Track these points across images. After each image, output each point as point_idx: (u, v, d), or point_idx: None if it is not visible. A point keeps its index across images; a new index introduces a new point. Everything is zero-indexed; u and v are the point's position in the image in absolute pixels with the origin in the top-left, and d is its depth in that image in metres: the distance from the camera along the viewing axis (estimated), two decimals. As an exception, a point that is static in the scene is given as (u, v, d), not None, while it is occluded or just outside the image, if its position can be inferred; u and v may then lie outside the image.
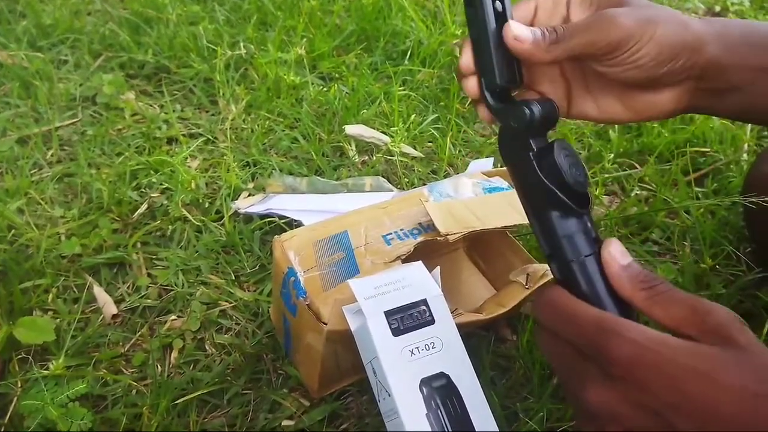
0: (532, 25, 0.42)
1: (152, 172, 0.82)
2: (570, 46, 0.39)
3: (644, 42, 0.39)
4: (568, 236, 0.37)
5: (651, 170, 0.86)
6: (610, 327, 0.31)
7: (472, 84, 0.42)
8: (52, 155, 0.87)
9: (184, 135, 0.93)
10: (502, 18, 0.40)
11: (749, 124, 0.97)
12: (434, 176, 0.90)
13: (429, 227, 0.59)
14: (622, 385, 0.30)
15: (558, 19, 0.43)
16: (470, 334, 0.63)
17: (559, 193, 0.36)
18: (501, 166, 0.81)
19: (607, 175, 0.88)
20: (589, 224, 0.38)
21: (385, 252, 0.57)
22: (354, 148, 0.93)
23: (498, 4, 0.40)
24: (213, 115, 1.02)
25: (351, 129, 0.90)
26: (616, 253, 0.35)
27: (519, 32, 0.39)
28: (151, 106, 1.02)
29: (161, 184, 0.81)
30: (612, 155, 0.89)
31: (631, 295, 0.34)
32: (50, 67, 1.06)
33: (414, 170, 0.90)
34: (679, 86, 0.43)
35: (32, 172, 0.84)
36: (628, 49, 0.39)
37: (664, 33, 0.39)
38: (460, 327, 0.49)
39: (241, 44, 1.15)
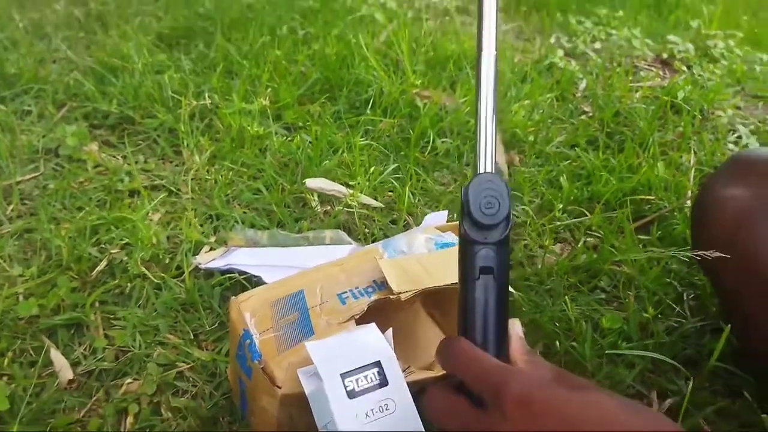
0: None
1: (113, 227, 0.83)
2: None
3: None
4: (477, 301, 0.41)
5: (598, 218, 0.90)
6: (511, 370, 0.39)
7: None
8: (12, 210, 0.87)
9: (146, 187, 0.94)
10: None
11: (692, 172, 1.03)
12: (393, 226, 0.92)
13: (383, 284, 0.61)
14: (519, 422, 0.35)
15: None
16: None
17: (462, 225, 0.40)
18: (456, 219, 0.84)
19: (558, 223, 0.92)
20: (498, 262, 0.41)
21: (340, 311, 0.58)
22: (316, 198, 0.96)
23: None
24: (177, 165, 1.03)
25: (312, 183, 0.92)
26: (518, 328, 0.43)
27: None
28: (114, 157, 1.03)
29: (121, 239, 0.82)
30: (562, 204, 0.93)
31: (518, 356, 0.42)
32: (13, 119, 1.07)
33: (374, 221, 0.92)
34: None
35: (-9, 227, 0.84)
36: None
37: None
38: (413, 385, 0.50)
39: (206, 94, 1.17)
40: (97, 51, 1.39)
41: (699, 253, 0.62)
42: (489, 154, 0.43)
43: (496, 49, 0.44)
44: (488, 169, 0.42)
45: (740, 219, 0.65)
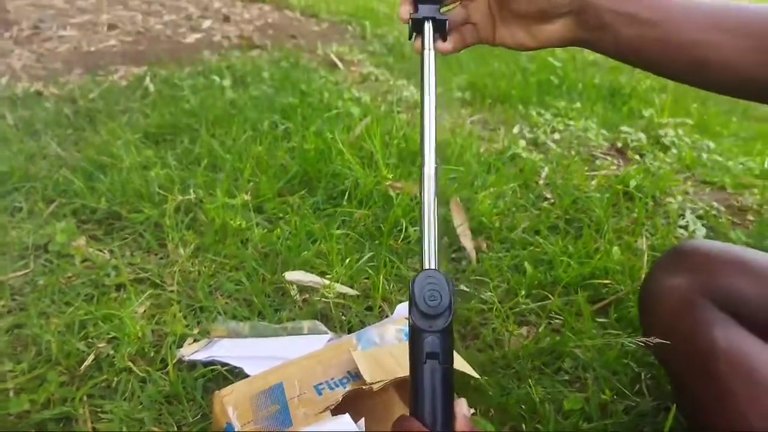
0: None
1: (100, 322, 0.87)
2: None
3: None
4: (425, 383, 0.45)
5: (558, 302, 0.96)
6: None
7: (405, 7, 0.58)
8: (3, 306, 0.91)
9: (132, 281, 0.99)
10: None
11: (646, 256, 1.11)
12: (369, 313, 0.97)
13: (357, 375, 0.66)
14: None
15: None
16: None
17: (410, 315, 0.45)
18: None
19: (523, 307, 0.98)
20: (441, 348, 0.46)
21: (317, 402, 0.63)
22: (295, 288, 1.01)
23: None
24: (161, 258, 1.08)
25: (290, 275, 0.98)
26: (464, 407, 0.47)
27: None
28: (101, 251, 1.08)
29: (108, 333, 0.85)
30: (525, 290, 0.99)
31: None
32: (4, 216, 1.12)
33: (350, 308, 0.97)
34: (564, 18, 0.58)
35: (-19, 324, 0.88)
36: None
37: None
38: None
39: (191, 189, 1.24)
40: (85, 148, 1.46)
41: (641, 339, 0.68)
42: (432, 253, 0.49)
43: (436, 163, 0.52)
44: (432, 266, 0.48)
45: (680, 307, 0.72)
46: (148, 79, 2.07)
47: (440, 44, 0.60)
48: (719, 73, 0.57)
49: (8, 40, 2.90)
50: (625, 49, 0.59)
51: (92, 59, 2.63)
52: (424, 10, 0.57)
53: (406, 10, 0.58)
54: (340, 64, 2.58)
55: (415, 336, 0.46)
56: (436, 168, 0.52)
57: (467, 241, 1.17)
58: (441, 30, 0.58)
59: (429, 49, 0.56)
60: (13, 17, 3.35)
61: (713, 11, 0.57)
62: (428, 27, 0.56)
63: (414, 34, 0.58)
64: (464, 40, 0.63)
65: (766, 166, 1.54)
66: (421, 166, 0.52)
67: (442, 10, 0.59)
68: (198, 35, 3.22)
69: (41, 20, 3.29)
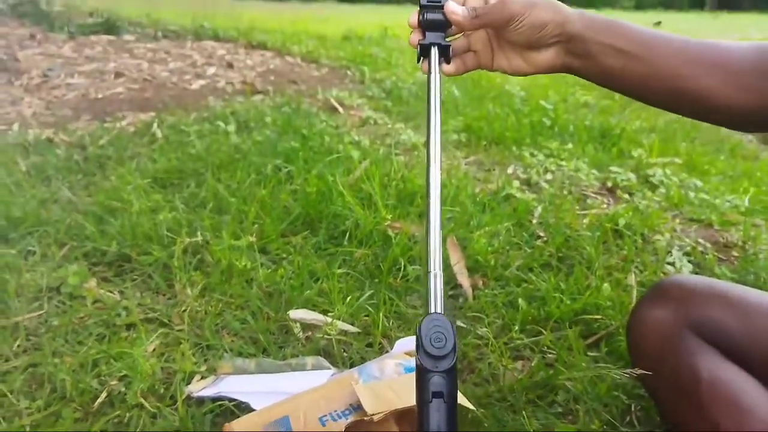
0: (463, 4, 0.65)
1: (113, 360, 0.91)
2: (483, 20, 0.64)
3: (525, 17, 0.62)
4: (430, 421, 0.48)
5: (551, 337, 1.00)
6: None
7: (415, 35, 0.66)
8: (18, 346, 0.95)
9: (141, 320, 1.03)
10: None
11: (635, 292, 1.15)
12: (370, 349, 1.01)
13: (359, 407, 0.70)
14: None
15: (480, 2, 0.65)
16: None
17: (417, 356, 0.49)
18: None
19: (517, 342, 1.02)
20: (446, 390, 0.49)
21: (321, 433, 0.66)
22: (298, 326, 1.05)
23: None
24: (169, 298, 1.13)
25: (294, 314, 1.02)
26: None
27: (454, 8, 0.64)
28: (111, 292, 1.12)
29: (120, 371, 0.89)
30: (518, 325, 1.03)
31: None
32: (19, 260, 1.16)
33: (351, 345, 1.01)
34: (554, 47, 0.65)
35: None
36: (517, 21, 0.63)
37: (539, 12, 0.63)
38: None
39: (198, 231, 1.29)
40: (96, 193, 1.52)
41: (627, 371, 0.72)
42: (438, 298, 0.53)
43: (440, 228, 0.57)
44: (437, 310, 0.53)
45: (665, 339, 0.76)
46: (155, 125, 2.15)
47: (444, 66, 0.68)
48: (695, 103, 0.65)
49: (19, 88, 3.01)
50: (609, 77, 0.66)
51: (100, 106, 2.72)
52: (431, 36, 0.66)
53: (416, 37, 0.67)
54: (340, 109, 2.67)
55: (421, 376, 0.49)
56: (441, 233, 0.56)
57: (464, 279, 1.21)
58: (445, 54, 0.66)
59: (435, 72, 0.64)
60: (24, 66, 3.47)
61: (691, 47, 0.64)
62: (434, 51, 0.65)
63: (422, 57, 0.67)
64: (465, 65, 0.71)
65: (746, 204, 1.60)
66: (426, 221, 0.57)
67: (447, 39, 0.67)
68: (203, 81, 3.34)
69: (50, 69, 3.41)
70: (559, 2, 0.66)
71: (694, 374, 0.72)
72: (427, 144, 0.60)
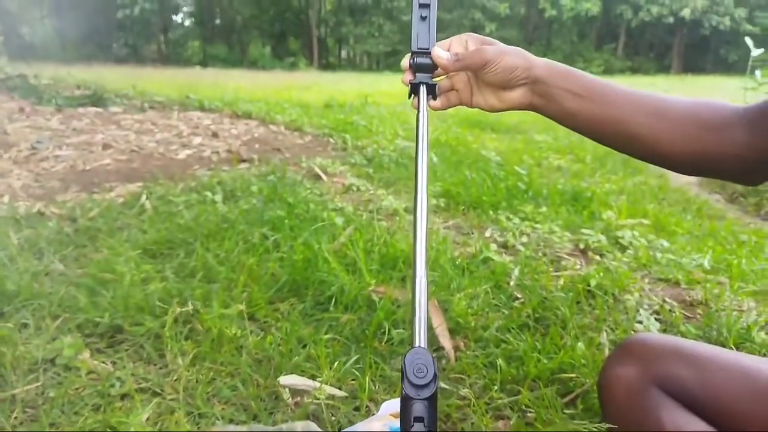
0: (448, 50, 0.77)
1: (108, 430, 0.94)
2: (464, 63, 0.75)
3: (499, 62, 0.74)
4: None
5: (530, 396, 1.05)
6: None
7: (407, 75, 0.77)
8: (16, 418, 0.97)
9: (135, 390, 1.06)
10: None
11: (607, 350, 1.21)
12: (357, 413, 1.05)
13: (348, 468, 0.74)
14: None
15: (462, 49, 0.77)
16: None
17: (402, 385, 0.54)
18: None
19: (499, 402, 1.07)
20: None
21: (313, 494, 0.70)
22: (288, 391, 1.09)
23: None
24: (161, 368, 1.16)
25: (284, 380, 1.06)
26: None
27: (440, 53, 0.75)
28: (104, 363, 1.16)
29: (115, 441, 0.92)
30: (498, 385, 1.08)
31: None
32: (15, 333, 1.20)
33: (339, 409, 1.05)
34: (522, 88, 0.76)
35: (-7, 437, 0.94)
36: (492, 65, 0.74)
37: (510, 58, 0.74)
38: None
39: (189, 301, 1.34)
40: (87, 265, 1.57)
41: (594, 426, 0.77)
42: (422, 332, 0.59)
43: (425, 274, 0.63)
44: (421, 344, 0.58)
45: (631, 393, 0.82)
46: (144, 196, 2.22)
47: (431, 102, 0.78)
48: (641, 145, 0.75)
49: (8, 161, 3.07)
50: (567, 117, 0.77)
51: (88, 177, 2.79)
52: (420, 77, 0.77)
53: (407, 77, 0.77)
54: (323, 176, 2.77)
55: (405, 403, 0.55)
56: (426, 279, 0.63)
57: (446, 341, 1.27)
58: (432, 92, 0.77)
59: (423, 111, 0.74)
60: (13, 139, 3.54)
61: (636, 95, 0.75)
62: (422, 89, 0.76)
63: (412, 95, 0.78)
64: (449, 101, 0.82)
65: (706, 264, 1.69)
66: (413, 272, 0.64)
67: (434, 79, 0.78)
68: (189, 151, 3.44)
69: (39, 141, 3.49)
70: (526, 51, 0.78)
71: (659, 426, 0.78)
72: (415, 167, 0.68)
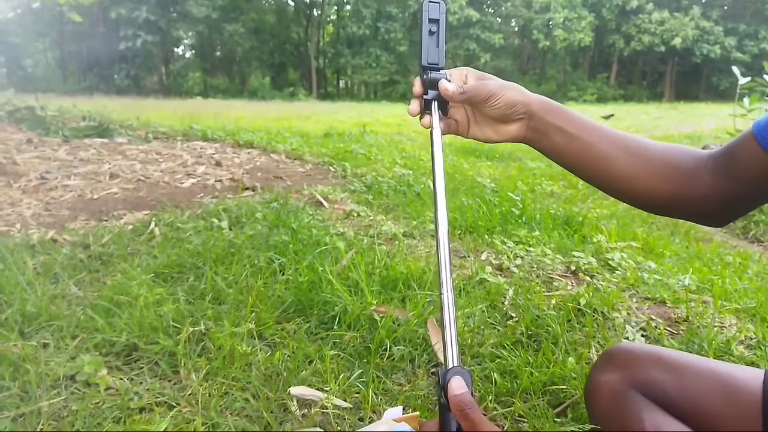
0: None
1: (130, 439, 1.01)
2: (468, 95, 0.80)
3: (501, 96, 0.79)
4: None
5: (523, 407, 1.13)
6: None
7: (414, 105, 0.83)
8: (41, 429, 1.04)
9: (152, 404, 1.13)
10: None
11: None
12: (361, 422, 1.12)
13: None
14: None
15: (461, 82, 0.82)
16: None
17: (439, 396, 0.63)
18: (411, 412, 1.06)
19: (494, 413, 1.14)
20: None
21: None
22: (296, 403, 1.16)
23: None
24: (175, 384, 1.23)
25: (294, 390, 1.14)
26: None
27: (447, 85, 0.80)
28: (121, 380, 1.23)
29: (136, 450, 0.99)
30: (492, 397, 1.16)
31: None
32: (39, 352, 1.27)
33: (345, 419, 1.12)
34: (519, 122, 0.82)
35: (22, 447, 1.00)
36: (493, 99, 0.79)
37: (511, 93, 0.80)
38: None
39: (201, 321, 1.41)
40: (102, 288, 1.65)
41: (579, 427, 0.85)
42: (455, 353, 0.66)
43: (451, 291, 0.71)
44: (456, 364, 0.66)
45: (613, 398, 0.90)
46: (153, 223, 2.30)
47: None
48: (620, 183, 0.81)
49: (17, 190, 3.16)
50: (555, 151, 0.83)
51: (96, 206, 2.88)
52: (431, 94, 0.81)
53: (414, 107, 0.83)
54: (325, 203, 2.86)
55: (444, 413, 0.63)
56: (452, 296, 0.70)
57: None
58: (443, 108, 0.82)
59: (436, 127, 0.80)
60: (22, 169, 3.64)
61: (621, 137, 0.82)
62: (434, 105, 0.81)
63: (424, 111, 0.82)
64: (448, 129, 0.86)
65: (692, 283, 1.77)
66: (439, 279, 0.71)
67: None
68: (194, 180, 3.54)
69: (47, 171, 3.59)
70: (523, 87, 0.84)
71: (641, 428, 0.85)
72: (433, 175, 0.76)
